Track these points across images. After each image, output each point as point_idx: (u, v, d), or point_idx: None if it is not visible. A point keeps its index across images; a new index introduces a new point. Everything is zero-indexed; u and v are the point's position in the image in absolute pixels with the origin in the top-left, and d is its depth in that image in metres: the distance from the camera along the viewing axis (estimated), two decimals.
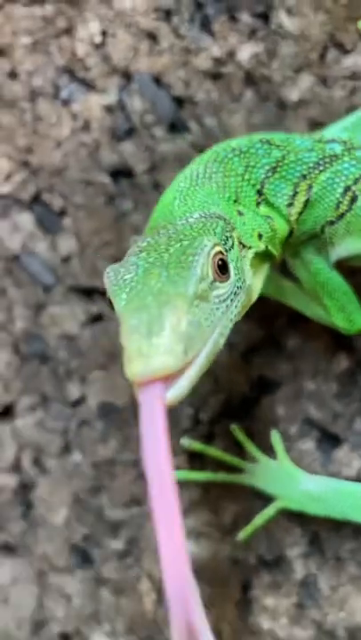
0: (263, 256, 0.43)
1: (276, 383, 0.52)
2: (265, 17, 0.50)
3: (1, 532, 0.55)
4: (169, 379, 0.36)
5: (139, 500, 0.53)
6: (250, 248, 0.42)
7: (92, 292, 0.54)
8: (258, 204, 0.43)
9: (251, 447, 0.51)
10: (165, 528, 0.35)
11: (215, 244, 0.39)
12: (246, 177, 0.43)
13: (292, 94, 0.50)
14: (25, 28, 0.53)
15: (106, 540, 0.54)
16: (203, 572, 0.52)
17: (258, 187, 0.43)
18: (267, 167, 0.44)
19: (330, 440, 0.51)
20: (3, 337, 0.55)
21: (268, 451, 0.51)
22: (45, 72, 0.53)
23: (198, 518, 0.52)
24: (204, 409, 0.52)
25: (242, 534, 0.51)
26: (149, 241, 0.40)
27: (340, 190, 0.43)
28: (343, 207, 0.44)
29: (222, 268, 0.39)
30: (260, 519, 0.50)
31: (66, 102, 0.53)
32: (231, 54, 0.51)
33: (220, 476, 0.51)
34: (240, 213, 0.43)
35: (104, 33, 0.52)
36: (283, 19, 0.50)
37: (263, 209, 0.44)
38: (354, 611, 0.51)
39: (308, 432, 0.51)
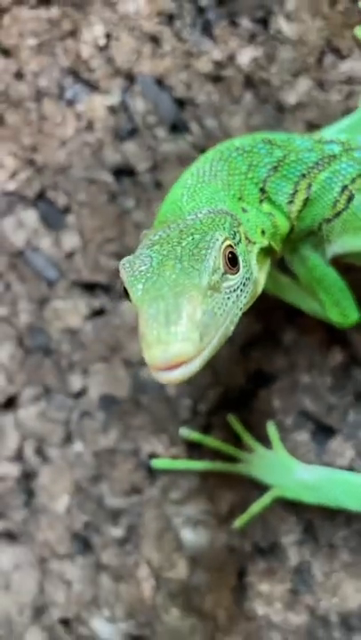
0: (266, 251, 0.46)
1: (272, 376, 0.54)
2: (264, 22, 0.52)
3: (3, 519, 0.57)
4: (185, 363, 0.39)
5: (138, 488, 0.55)
6: (255, 243, 0.44)
7: (95, 287, 0.56)
8: (261, 201, 0.46)
9: (247, 438, 0.53)
10: None
11: (226, 238, 0.41)
12: (250, 175, 0.45)
13: (291, 97, 0.52)
14: (31, 30, 0.55)
15: (106, 528, 0.56)
16: (200, 558, 0.55)
17: (261, 185, 0.46)
18: (269, 166, 0.46)
19: (324, 431, 0.53)
20: (7, 330, 0.57)
21: (265, 441, 0.53)
22: (51, 73, 0.55)
23: (196, 507, 0.55)
24: (202, 400, 0.55)
25: (238, 522, 0.53)
26: (161, 234, 0.42)
27: (338, 189, 0.46)
28: (340, 206, 0.46)
29: (232, 261, 0.42)
30: (255, 507, 0.52)
31: (70, 103, 0.55)
32: (231, 58, 0.53)
33: (218, 466, 0.53)
34: (244, 210, 0.45)
35: (108, 36, 0.54)
36: (282, 24, 0.52)
37: (266, 206, 0.46)
38: (346, 596, 0.53)
39: (304, 423, 0.53)
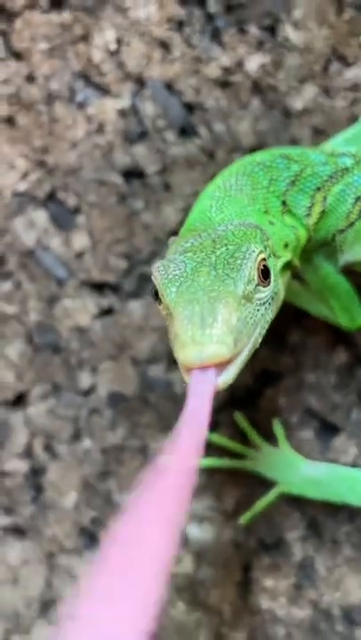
0: (287, 265, 0.48)
1: (278, 375, 0.56)
2: (272, 30, 0.55)
3: (12, 514, 0.59)
4: (218, 366, 0.41)
5: None
6: (279, 257, 0.47)
7: (104, 287, 0.58)
8: (283, 214, 0.48)
9: (253, 435, 0.55)
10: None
11: (261, 251, 0.44)
12: (271, 189, 0.48)
13: (297, 103, 0.55)
14: (43, 34, 0.57)
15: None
16: (206, 554, 0.57)
17: (282, 198, 0.48)
18: (287, 180, 0.48)
19: (329, 429, 0.56)
20: (17, 328, 0.59)
21: (271, 439, 0.55)
22: (62, 76, 0.57)
23: (202, 503, 0.57)
24: None
25: (243, 518, 0.55)
26: (193, 242, 0.45)
27: (352, 201, 0.48)
28: (353, 216, 0.48)
29: (265, 274, 0.44)
30: (261, 504, 0.55)
31: (81, 106, 0.57)
32: (240, 64, 0.55)
33: (224, 462, 0.55)
34: (271, 223, 0.47)
35: (119, 41, 0.56)
36: (289, 32, 0.54)
37: (288, 219, 0.48)
38: (349, 591, 0.56)
39: (309, 421, 0.56)
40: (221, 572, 0.57)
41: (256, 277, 0.43)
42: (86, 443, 0.58)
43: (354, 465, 0.55)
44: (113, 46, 0.56)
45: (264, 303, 0.44)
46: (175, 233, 0.56)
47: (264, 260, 0.44)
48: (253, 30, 0.55)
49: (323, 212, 0.48)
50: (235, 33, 0.55)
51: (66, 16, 0.57)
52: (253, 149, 0.55)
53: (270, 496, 0.54)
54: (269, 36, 0.55)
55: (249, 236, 0.45)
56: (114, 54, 0.57)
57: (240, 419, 0.56)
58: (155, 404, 0.57)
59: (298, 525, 0.56)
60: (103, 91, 0.57)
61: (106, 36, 0.56)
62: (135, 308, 0.57)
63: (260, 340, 0.44)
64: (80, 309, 0.58)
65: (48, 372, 0.58)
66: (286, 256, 0.47)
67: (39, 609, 0.59)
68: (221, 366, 0.41)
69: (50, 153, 0.58)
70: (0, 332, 0.59)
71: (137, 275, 0.57)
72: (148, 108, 0.56)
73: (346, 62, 0.54)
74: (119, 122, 0.57)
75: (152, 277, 0.44)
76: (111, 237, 0.57)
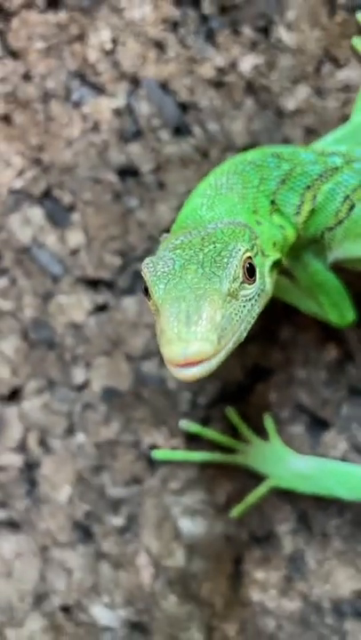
0: (275, 263, 0.50)
1: (269, 371, 0.58)
2: (265, 31, 0.56)
3: (6, 508, 0.61)
4: (201, 362, 0.42)
5: (138, 478, 0.59)
6: (268, 256, 0.48)
7: (98, 283, 0.59)
8: (271, 213, 0.50)
9: (244, 429, 0.57)
10: None
11: (247, 250, 0.45)
12: (261, 188, 0.49)
13: (290, 104, 0.57)
14: (39, 34, 0.59)
15: (106, 517, 0.59)
16: (197, 547, 0.59)
17: (271, 197, 0.50)
18: (278, 179, 0.50)
19: (319, 424, 0.57)
20: (12, 324, 0.61)
21: (261, 433, 0.57)
22: (58, 75, 0.59)
23: (194, 497, 0.59)
24: (201, 394, 0.59)
25: (235, 512, 0.57)
26: (183, 239, 0.46)
27: (340, 199, 0.49)
28: (342, 215, 0.50)
29: (250, 272, 0.45)
30: (252, 497, 0.57)
31: (77, 104, 0.59)
32: (233, 65, 0.57)
33: (216, 457, 0.57)
34: (259, 223, 0.49)
35: (114, 41, 0.58)
36: (282, 33, 0.56)
37: (276, 218, 0.50)
38: (338, 583, 0.58)
39: (299, 416, 0.58)
40: (213, 565, 0.58)
41: (241, 275, 0.45)
42: (80, 437, 0.60)
43: (343, 460, 0.57)
44: (108, 46, 0.58)
45: (250, 300, 0.45)
46: (168, 230, 0.58)
47: (250, 258, 0.45)
48: (247, 31, 0.57)
49: (312, 211, 0.50)
50: (229, 34, 0.57)
51: (62, 16, 0.59)
52: (247, 149, 0.57)
53: (261, 490, 0.56)
54: (263, 38, 0.56)
55: (237, 234, 0.46)
56: (109, 54, 0.58)
57: (231, 414, 0.58)
58: (148, 399, 0.59)
59: (288, 519, 0.58)
60: (99, 90, 0.59)
61: (101, 35, 0.58)
62: (129, 304, 0.59)
63: (245, 335, 0.46)
64: (75, 306, 0.60)
65: (43, 368, 0.60)
66: (275, 255, 0.49)
67: (33, 602, 0.61)
68: (204, 362, 0.43)
69: (46, 151, 0.59)
70: None
71: (131, 272, 0.59)
72: (143, 108, 0.58)
73: (338, 64, 0.56)
74: (114, 121, 0.58)
75: (142, 274, 0.46)
76: (106, 235, 0.59)
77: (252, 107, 0.57)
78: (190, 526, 0.58)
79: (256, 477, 0.57)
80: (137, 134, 0.58)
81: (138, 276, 0.59)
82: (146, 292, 0.46)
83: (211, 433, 0.57)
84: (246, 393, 0.58)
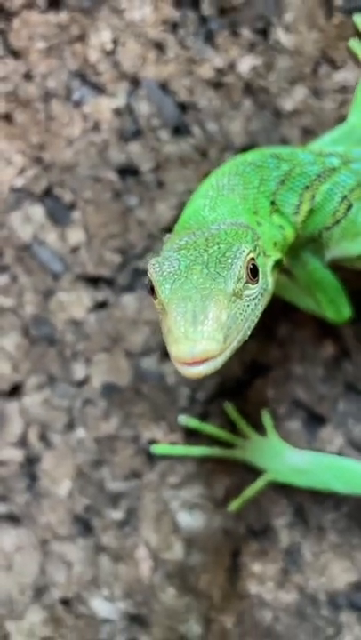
0: (276, 263, 0.51)
1: (267, 367, 0.59)
2: (264, 33, 0.58)
3: (7, 502, 0.61)
4: (207, 360, 0.44)
5: (138, 473, 0.61)
6: (269, 257, 0.50)
7: (98, 281, 0.60)
8: (271, 213, 0.51)
9: (242, 425, 0.58)
10: None
11: (250, 251, 0.47)
12: (261, 189, 0.51)
13: (287, 104, 0.58)
14: (41, 34, 0.60)
15: (106, 511, 0.61)
16: (196, 540, 0.60)
17: (271, 198, 0.51)
18: (277, 179, 0.51)
19: (315, 420, 0.59)
20: (13, 320, 0.62)
21: (259, 428, 0.58)
22: (59, 75, 0.60)
23: (193, 491, 0.60)
24: (200, 389, 0.60)
25: (233, 506, 0.58)
26: (187, 240, 0.48)
27: (338, 199, 0.51)
28: (339, 214, 0.51)
29: (253, 272, 0.47)
30: (249, 491, 0.58)
31: (77, 104, 0.60)
32: (232, 66, 0.58)
33: (214, 451, 0.58)
34: (259, 224, 0.50)
35: (115, 41, 0.59)
36: (280, 35, 0.58)
37: (276, 218, 0.51)
38: (334, 576, 0.59)
39: (296, 412, 0.59)
40: (211, 558, 0.60)
41: (245, 276, 0.46)
42: (80, 432, 0.61)
43: (340, 454, 0.58)
44: (109, 46, 0.59)
45: (253, 299, 0.47)
46: (169, 229, 0.60)
47: (253, 259, 0.47)
48: (246, 33, 0.58)
49: (311, 211, 0.51)
50: (228, 35, 0.58)
51: (63, 16, 0.60)
52: (245, 149, 0.58)
53: (259, 484, 0.58)
54: (261, 39, 0.58)
55: (240, 235, 0.47)
56: (110, 54, 0.60)
57: (230, 409, 0.59)
58: (147, 394, 0.60)
59: (285, 512, 0.59)
60: (99, 90, 0.60)
61: (102, 36, 0.59)
62: (129, 301, 0.60)
63: (248, 333, 0.47)
64: (75, 303, 0.61)
65: (43, 364, 0.61)
66: (276, 255, 0.50)
67: (33, 595, 0.61)
68: (210, 360, 0.44)
69: (46, 150, 0.60)
70: None
71: (131, 269, 0.60)
72: (143, 108, 0.59)
73: (335, 65, 0.57)
74: (114, 120, 0.60)
75: (148, 273, 0.47)
76: (106, 233, 0.60)
77: (251, 107, 0.58)
78: (189, 520, 0.60)
79: (254, 472, 0.58)
80: (137, 134, 0.59)
81: (137, 273, 0.60)
82: (152, 291, 0.47)
83: (209, 428, 0.58)
84: (244, 389, 0.59)
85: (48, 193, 0.60)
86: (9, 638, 0.61)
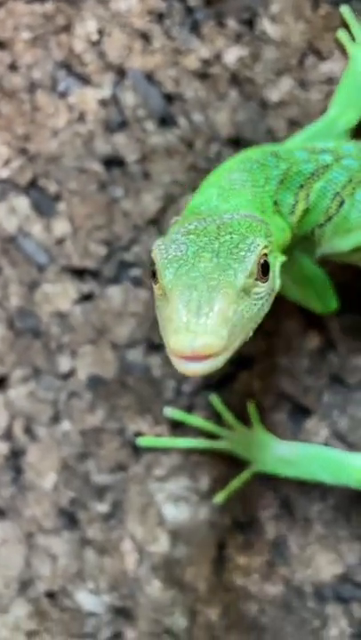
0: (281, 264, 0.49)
1: (252, 359, 0.59)
2: (250, 23, 0.58)
3: None
4: (207, 357, 0.41)
5: (123, 465, 0.61)
6: (276, 257, 0.48)
7: (84, 272, 0.61)
8: (274, 214, 0.49)
9: (228, 416, 0.59)
10: None
11: (265, 246, 0.44)
12: (266, 189, 0.49)
13: (273, 95, 0.59)
14: (26, 24, 0.60)
15: (91, 504, 0.61)
16: (181, 533, 0.60)
17: (274, 198, 0.49)
18: (277, 179, 0.50)
19: (301, 411, 0.59)
20: None
21: (245, 420, 0.59)
22: (44, 66, 0.60)
23: (178, 483, 0.60)
24: (185, 381, 0.60)
25: (218, 498, 0.59)
26: (197, 225, 0.45)
27: (331, 197, 0.50)
28: (331, 211, 0.50)
29: (264, 270, 0.44)
30: (235, 483, 0.58)
31: (63, 95, 0.60)
32: (218, 56, 0.59)
33: (200, 443, 0.59)
34: (266, 224, 0.48)
35: (100, 32, 0.60)
36: (266, 26, 0.58)
37: (278, 219, 0.49)
38: (320, 568, 0.60)
39: (282, 404, 0.60)
40: (197, 551, 0.60)
41: (256, 272, 0.44)
42: (65, 425, 0.61)
43: (325, 446, 0.59)
44: (94, 37, 0.60)
45: (261, 298, 0.44)
46: (155, 221, 0.60)
47: (266, 255, 0.44)
48: (232, 23, 0.58)
49: (306, 210, 0.50)
50: (214, 26, 0.58)
51: (48, 6, 0.60)
52: (231, 140, 0.58)
53: (244, 475, 0.58)
54: (247, 30, 0.58)
55: (254, 228, 0.45)
56: (95, 45, 0.60)
57: (215, 401, 0.59)
58: (133, 386, 0.61)
59: (271, 504, 0.60)
60: (84, 80, 0.60)
61: (87, 26, 0.60)
62: (115, 293, 0.61)
63: (250, 334, 0.45)
64: (60, 294, 0.61)
65: (28, 356, 0.61)
66: (281, 257, 0.48)
67: (18, 588, 0.61)
68: (210, 357, 0.41)
69: (32, 141, 0.61)
70: None
71: (117, 261, 0.61)
72: (129, 98, 0.60)
73: (321, 56, 0.58)
74: (100, 111, 0.60)
75: (151, 255, 0.44)
76: (91, 224, 0.60)
77: (237, 98, 0.59)
78: (174, 512, 0.60)
79: (239, 464, 0.59)
80: (122, 125, 0.60)
81: (123, 265, 0.60)
82: (153, 275, 0.44)
83: (195, 420, 0.59)
84: (230, 381, 0.59)
85: (33, 184, 0.61)
86: None
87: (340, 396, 0.59)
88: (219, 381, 0.60)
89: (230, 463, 0.59)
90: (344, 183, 0.51)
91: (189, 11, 0.59)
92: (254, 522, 0.59)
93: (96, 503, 0.61)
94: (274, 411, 0.59)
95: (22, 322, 0.61)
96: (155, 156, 0.59)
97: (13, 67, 0.60)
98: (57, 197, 0.60)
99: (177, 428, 0.60)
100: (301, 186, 0.50)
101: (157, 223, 0.60)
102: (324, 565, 0.59)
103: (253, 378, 0.59)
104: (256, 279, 0.44)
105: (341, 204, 0.51)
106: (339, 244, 0.52)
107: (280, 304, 0.58)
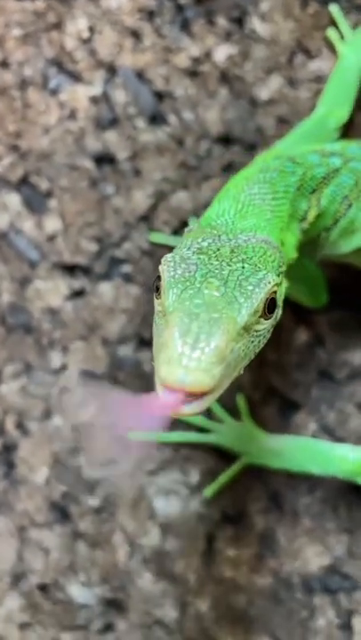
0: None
1: None
2: (240, 22, 0.59)
3: None
4: (196, 396, 0.39)
5: (114, 460, 0.62)
6: (283, 285, 0.45)
7: (75, 269, 0.61)
8: (291, 223, 0.48)
9: (218, 410, 0.59)
10: None
11: (276, 284, 0.43)
12: (285, 200, 0.48)
13: (263, 93, 0.59)
14: (17, 21, 0.60)
15: (83, 497, 0.61)
16: (172, 526, 0.60)
17: (291, 207, 0.48)
18: (295, 186, 0.48)
19: (289, 406, 0.60)
20: None
21: (234, 415, 0.59)
22: (35, 63, 0.60)
23: (168, 476, 0.61)
24: None
25: (208, 491, 0.59)
26: (210, 244, 0.43)
27: (340, 200, 0.49)
28: (339, 215, 0.50)
29: (270, 307, 0.43)
30: (225, 476, 0.59)
31: (54, 92, 0.61)
32: (208, 55, 0.59)
33: (190, 437, 0.59)
34: (283, 244, 0.47)
35: (91, 29, 0.60)
36: (256, 24, 0.59)
37: (290, 235, 0.48)
38: (307, 560, 0.61)
39: (271, 399, 0.60)
40: (187, 543, 0.60)
41: (261, 309, 0.42)
42: (57, 420, 0.62)
43: None
44: (85, 34, 0.60)
45: (260, 335, 0.43)
46: (145, 218, 0.61)
47: (274, 292, 0.43)
48: (222, 22, 0.59)
49: (318, 216, 0.49)
50: (204, 24, 0.59)
51: (39, 4, 0.60)
52: (221, 137, 0.59)
53: (234, 468, 0.59)
54: (237, 28, 0.59)
55: (268, 259, 0.43)
56: (86, 42, 0.60)
57: None
58: (124, 382, 0.61)
59: (260, 498, 0.60)
60: (76, 78, 0.61)
61: (78, 24, 0.60)
62: (106, 289, 0.61)
63: (242, 372, 0.43)
64: (52, 291, 0.61)
65: (20, 352, 0.61)
66: (287, 283, 0.46)
67: (10, 581, 0.62)
68: (197, 396, 0.39)
69: (23, 138, 0.61)
70: None
71: (108, 257, 0.61)
72: (120, 96, 0.60)
73: (310, 55, 0.59)
74: (91, 108, 0.60)
75: (159, 268, 0.43)
76: (82, 221, 0.61)
77: (227, 96, 0.59)
78: (165, 506, 0.60)
79: (229, 457, 0.59)
80: (113, 122, 0.60)
81: (114, 261, 0.61)
82: (157, 289, 0.43)
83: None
84: None
85: (24, 181, 0.61)
86: None
87: (328, 391, 0.60)
88: None
89: (220, 457, 0.60)
90: (352, 186, 0.51)
91: (180, 9, 0.59)
92: (243, 515, 0.60)
93: (87, 497, 0.61)
94: (263, 405, 0.60)
95: (14, 318, 0.62)
96: (145, 153, 0.60)
97: (4, 64, 0.61)
98: (48, 194, 0.61)
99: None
100: (314, 191, 0.49)
101: (148, 220, 0.60)
102: (312, 557, 0.60)
103: (243, 372, 0.60)
104: (260, 316, 0.42)
105: (349, 206, 0.50)
106: (341, 246, 0.52)
107: None
